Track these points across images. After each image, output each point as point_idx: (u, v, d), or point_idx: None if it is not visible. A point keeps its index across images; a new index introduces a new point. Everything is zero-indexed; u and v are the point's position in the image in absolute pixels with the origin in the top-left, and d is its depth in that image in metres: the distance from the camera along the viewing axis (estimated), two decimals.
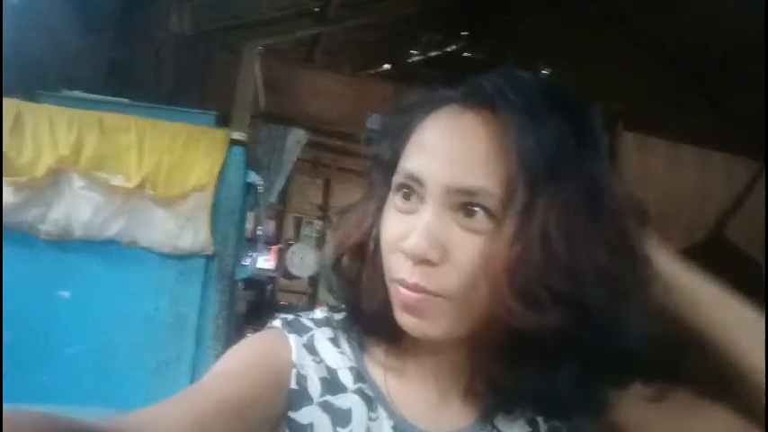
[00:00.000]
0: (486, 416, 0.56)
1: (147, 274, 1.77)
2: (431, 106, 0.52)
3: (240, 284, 2.38)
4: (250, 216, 2.10)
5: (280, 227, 5.56)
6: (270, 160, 3.20)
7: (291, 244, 5.32)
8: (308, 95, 3.20)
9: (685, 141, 3.71)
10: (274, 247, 5.35)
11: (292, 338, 0.55)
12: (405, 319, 0.50)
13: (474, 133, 0.47)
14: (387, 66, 4.70)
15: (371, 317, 0.54)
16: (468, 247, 0.46)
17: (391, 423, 0.54)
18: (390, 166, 0.54)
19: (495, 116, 0.47)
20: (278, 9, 3.54)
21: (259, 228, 1.90)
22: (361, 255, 0.55)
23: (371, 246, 0.54)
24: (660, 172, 3.75)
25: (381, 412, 0.54)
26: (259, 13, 3.51)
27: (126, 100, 1.88)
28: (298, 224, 5.76)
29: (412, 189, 0.49)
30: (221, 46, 3.23)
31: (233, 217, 1.85)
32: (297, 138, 3.25)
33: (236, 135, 1.84)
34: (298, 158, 3.70)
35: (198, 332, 1.80)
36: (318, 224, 5.68)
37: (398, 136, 0.54)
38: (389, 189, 0.53)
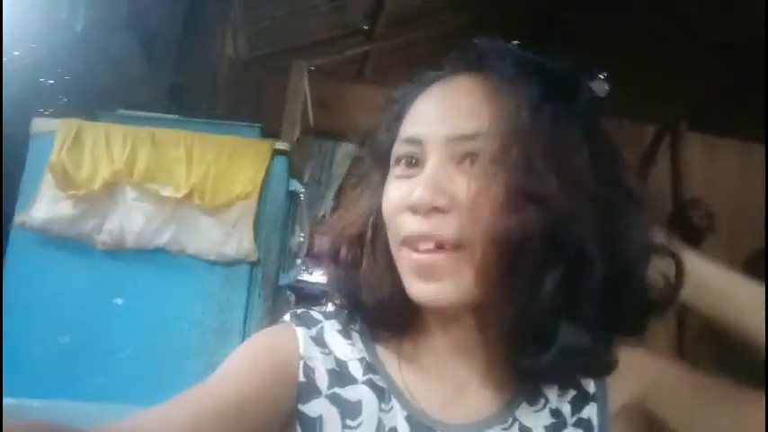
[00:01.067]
0: (508, 407, 0.54)
1: (195, 280, 1.83)
2: (420, 87, 0.55)
3: (289, 295, 2.43)
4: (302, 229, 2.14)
5: None
6: (320, 175, 3.27)
7: None
8: (357, 110, 3.26)
9: (755, 140, 3.48)
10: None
11: (300, 331, 0.55)
12: (418, 288, 0.49)
13: (464, 89, 0.51)
14: None
15: (374, 306, 0.54)
16: (475, 192, 0.47)
17: (405, 414, 0.52)
18: (385, 153, 0.56)
19: (483, 75, 0.52)
20: (327, 29, 3.65)
21: (301, 236, 1.92)
22: (359, 243, 0.56)
23: (370, 234, 0.55)
24: (729, 173, 3.53)
25: (395, 403, 0.53)
26: (309, 35, 3.63)
27: (176, 116, 1.98)
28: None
29: (412, 155, 0.52)
30: (274, 68, 3.36)
31: (276, 224, 1.90)
32: (346, 152, 3.30)
33: (279, 145, 1.89)
34: (347, 173, 3.76)
35: (243, 337, 1.84)
36: None
37: (391, 123, 0.56)
38: (384, 174, 0.55)
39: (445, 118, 0.50)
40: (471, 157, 0.49)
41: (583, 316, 0.46)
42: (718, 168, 3.59)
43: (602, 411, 0.55)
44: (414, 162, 0.52)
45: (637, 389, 0.55)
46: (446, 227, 0.48)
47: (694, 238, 3.32)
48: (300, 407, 0.52)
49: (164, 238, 1.81)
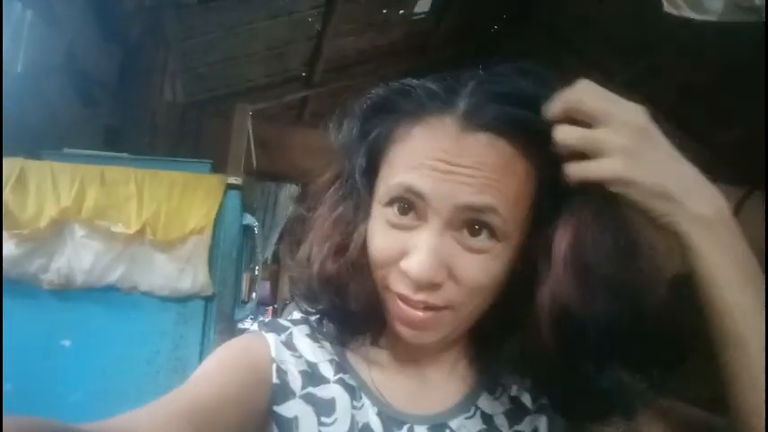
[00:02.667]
0: (470, 397, 0.58)
1: (147, 318, 1.79)
2: (415, 112, 0.51)
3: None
4: (245, 277, 2.14)
5: (275, 287, 5.56)
6: (264, 217, 3.28)
7: (288, 304, 5.29)
8: (298, 152, 3.34)
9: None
10: (269, 309, 5.33)
11: (270, 336, 0.57)
12: (403, 330, 0.51)
13: (480, 153, 0.47)
14: None
15: (355, 316, 0.55)
16: (472, 266, 0.48)
17: (375, 410, 0.55)
18: (369, 170, 0.54)
19: (499, 138, 0.48)
20: (266, 76, 3.74)
21: (256, 269, 1.94)
22: (342, 256, 0.55)
23: (353, 249, 0.54)
24: None
25: (365, 400, 0.55)
26: (248, 81, 3.70)
27: (125, 154, 1.97)
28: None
29: (411, 204, 0.48)
30: (213, 112, 3.39)
31: (230, 258, 1.90)
32: (289, 193, 3.34)
33: (232, 179, 1.92)
34: (290, 215, 3.78)
35: None
36: None
37: (377, 139, 0.53)
38: (370, 194, 0.53)
39: (458, 182, 0.47)
40: (474, 224, 0.47)
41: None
42: None
43: None
44: (407, 210, 0.49)
45: None
46: (440, 297, 0.49)
47: None
48: (276, 408, 0.53)
49: (114, 276, 1.77)
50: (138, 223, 1.79)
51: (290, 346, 0.57)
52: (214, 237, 1.87)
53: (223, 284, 1.86)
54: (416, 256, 0.47)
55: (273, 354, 0.55)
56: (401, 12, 3.76)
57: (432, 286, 0.48)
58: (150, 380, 1.75)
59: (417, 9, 3.81)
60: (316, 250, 0.56)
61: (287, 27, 3.41)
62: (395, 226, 0.49)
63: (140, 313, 1.79)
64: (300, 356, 0.56)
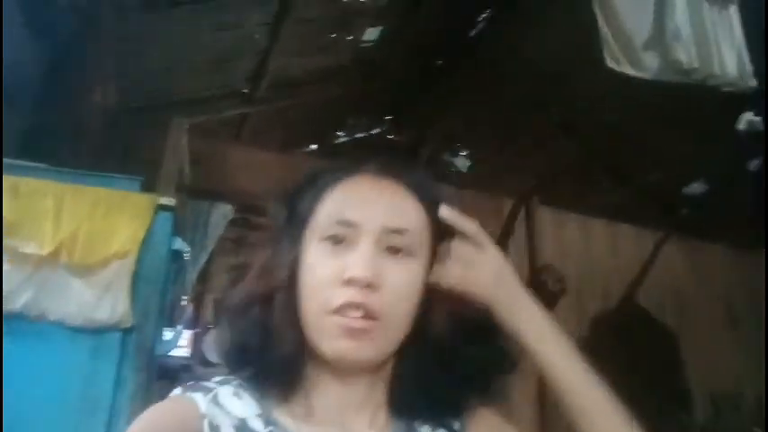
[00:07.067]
0: None
1: (56, 350, 1.61)
2: (340, 175, 0.64)
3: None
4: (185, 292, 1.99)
5: (198, 309, 5.30)
6: (193, 236, 3.10)
7: (210, 328, 5.05)
8: (235, 170, 3.20)
9: (597, 215, 3.99)
10: (191, 332, 5.06)
11: (197, 396, 0.58)
12: (343, 345, 0.57)
13: (392, 190, 0.62)
14: (314, 146, 4.80)
15: (273, 364, 0.59)
16: (396, 276, 0.58)
17: None
18: (301, 223, 0.63)
19: (401, 182, 0.63)
20: (206, 89, 3.59)
21: (183, 299, 1.80)
22: (270, 303, 0.60)
23: (283, 294, 0.60)
24: (576, 244, 3.98)
25: None
26: (187, 93, 3.53)
27: (44, 164, 1.79)
28: (218, 307, 5.51)
29: (342, 235, 0.59)
30: (147, 122, 3.20)
31: (155, 286, 1.75)
32: (223, 213, 3.19)
33: (164, 200, 1.78)
34: (221, 237, 3.61)
35: (112, 416, 1.63)
36: None
37: (311, 200, 0.63)
38: (299, 243, 0.62)
39: (381, 209, 0.60)
40: (395, 248, 0.59)
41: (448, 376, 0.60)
42: (566, 238, 4.03)
43: None
44: (340, 241, 0.59)
45: None
46: (374, 301, 0.56)
47: (550, 301, 3.66)
48: None
49: (20, 302, 1.58)
50: (52, 243, 1.62)
51: (218, 403, 0.58)
52: (138, 262, 1.72)
53: (145, 315, 1.71)
54: (357, 261, 0.57)
55: (203, 410, 0.57)
56: (349, 38, 3.73)
57: (371, 287, 0.56)
58: (55, 420, 1.57)
59: (366, 37, 3.80)
60: (243, 295, 0.62)
61: (232, 41, 3.29)
62: (331, 254, 0.59)
63: (48, 344, 1.60)
64: (229, 413, 0.58)
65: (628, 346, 3.57)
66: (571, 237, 3.99)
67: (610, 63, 2.22)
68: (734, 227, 4.04)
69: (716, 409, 3.98)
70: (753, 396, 3.92)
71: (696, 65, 2.13)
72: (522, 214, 4.02)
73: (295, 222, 0.63)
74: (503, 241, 3.86)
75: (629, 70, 2.25)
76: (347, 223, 0.59)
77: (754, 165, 3.44)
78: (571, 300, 3.72)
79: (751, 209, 3.59)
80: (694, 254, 4.34)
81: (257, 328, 0.60)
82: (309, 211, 0.62)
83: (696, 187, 4.08)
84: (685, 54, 2.10)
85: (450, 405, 0.62)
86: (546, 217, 4.05)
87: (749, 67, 2.24)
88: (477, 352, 0.61)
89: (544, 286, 3.71)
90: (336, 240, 0.59)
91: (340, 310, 0.56)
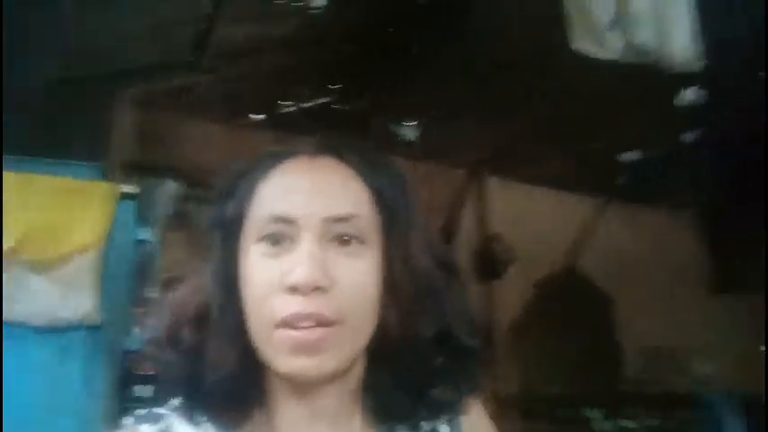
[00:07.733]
0: None
1: (20, 351, 1.52)
2: (272, 162, 0.56)
3: None
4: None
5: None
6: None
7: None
8: (182, 144, 3.05)
9: (540, 184, 4.14)
10: None
11: (144, 428, 0.54)
12: (300, 363, 0.50)
13: (332, 172, 0.54)
14: (261, 116, 4.66)
15: (218, 387, 0.52)
16: (351, 271, 0.51)
17: None
18: (233, 226, 0.55)
19: (343, 161, 0.56)
20: (150, 58, 3.37)
21: (152, 291, 1.74)
22: (204, 322, 0.54)
23: (217, 311, 0.53)
24: (523, 213, 4.12)
25: None
26: (130, 62, 3.31)
27: None
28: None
29: (281, 234, 0.52)
30: (91, 94, 2.98)
31: (122, 281, 1.68)
32: (169, 191, 3.05)
33: (126, 188, 1.69)
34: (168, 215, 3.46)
35: (80, 417, 1.56)
36: None
37: (243, 196, 0.55)
38: (233, 249, 0.54)
39: (320, 198, 0.52)
40: (344, 237, 0.52)
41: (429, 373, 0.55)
42: (514, 208, 4.15)
43: None
44: (279, 240, 0.51)
45: None
46: (327, 306, 0.49)
47: (498, 268, 3.80)
48: None
49: None
50: (8, 240, 1.50)
51: None
52: (103, 256, 1.63)
53: (112, 312, 1.63)
54: (298, 265, 0.49)
55: None
56: (298, 4, 3.59)
57: (318, 292, 0.49)
58: (18, 423, 1.48)
59: (315, 3, 3.67)
60: (172, 316, 0.55)
61: (174, 6, 3.09)
62: (269, 256, 0.51)
63: (11, 346, 1.51)
64: None
65: (566, 309, 3.79)
66: (519, 206, 4.11)
67: (576, 45, 2.23)
68: (668, 192, 4.29)
69: (645, 363, 4.29)
70: (684, 349, 4.23)
71: (653, 46, 2.19)
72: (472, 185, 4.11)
73: (229, 225, 0.55)
74: (455, 212, 3.94)
75: (594, 50, 2.27)
76: (283, 219, 0.51)
77: (688, 137, 3.65)
78: (519, 266, 3.87)
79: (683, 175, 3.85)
80: (634, 218, 4.56)
81: (191, 355, 0.53)
82: (243, 209, 0.54)
83: (633, 155, 4.29)
84: (645, 35, 2.15)
85: (432, 403, 0.56)
86: (494, 187, 4.16)
87: (699, 47, 2.32)
88: (451, 343, 0.55)
89: (494, 255, 3.85)
90: (274, 240, 0.51)
91: (287, 322, 0.49)
